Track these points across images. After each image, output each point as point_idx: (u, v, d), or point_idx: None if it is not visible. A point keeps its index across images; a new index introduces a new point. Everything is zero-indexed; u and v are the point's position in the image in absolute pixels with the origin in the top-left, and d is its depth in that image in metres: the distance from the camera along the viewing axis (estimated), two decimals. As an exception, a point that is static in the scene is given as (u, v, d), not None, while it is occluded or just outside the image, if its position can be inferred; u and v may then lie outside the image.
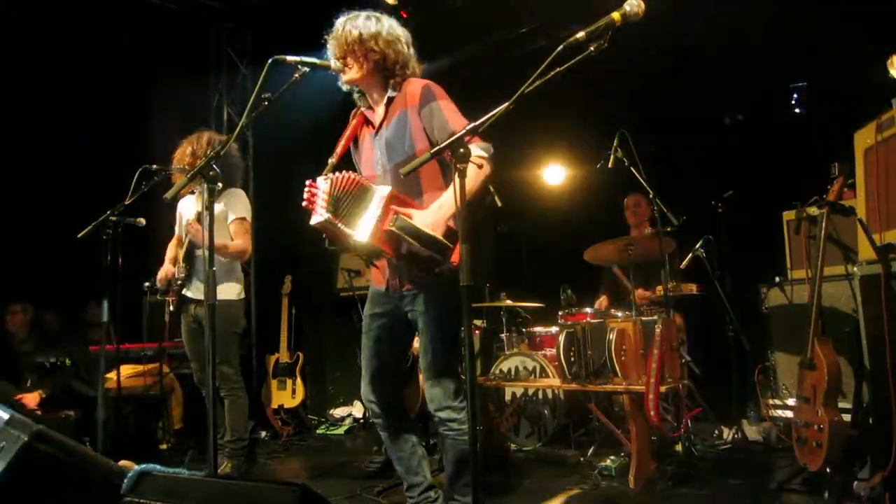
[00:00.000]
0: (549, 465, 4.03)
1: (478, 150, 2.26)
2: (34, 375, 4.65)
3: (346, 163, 2.62)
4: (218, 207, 3.73)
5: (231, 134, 2.74)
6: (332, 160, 2.54)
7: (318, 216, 2.34)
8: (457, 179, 1.88)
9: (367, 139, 2.64)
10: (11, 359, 4.71)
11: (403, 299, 2.52)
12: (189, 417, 5.08)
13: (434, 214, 2.29)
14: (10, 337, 4.93)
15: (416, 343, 2.65)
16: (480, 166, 2.25)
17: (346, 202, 2.36)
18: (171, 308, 3.85)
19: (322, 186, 2.37)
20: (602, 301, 4.87)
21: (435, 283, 2.40)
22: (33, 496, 1.75)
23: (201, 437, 4.14)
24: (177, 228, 4.05)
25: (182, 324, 3.91)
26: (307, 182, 2.41)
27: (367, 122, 2.65)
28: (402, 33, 2.59)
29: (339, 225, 2.33)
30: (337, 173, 2.40)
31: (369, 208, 2.33)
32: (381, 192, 2.34)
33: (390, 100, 2.55)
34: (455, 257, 2.32)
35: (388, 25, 2.56)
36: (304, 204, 2.38)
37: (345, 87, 2.64)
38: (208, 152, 3.70)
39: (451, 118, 2.41)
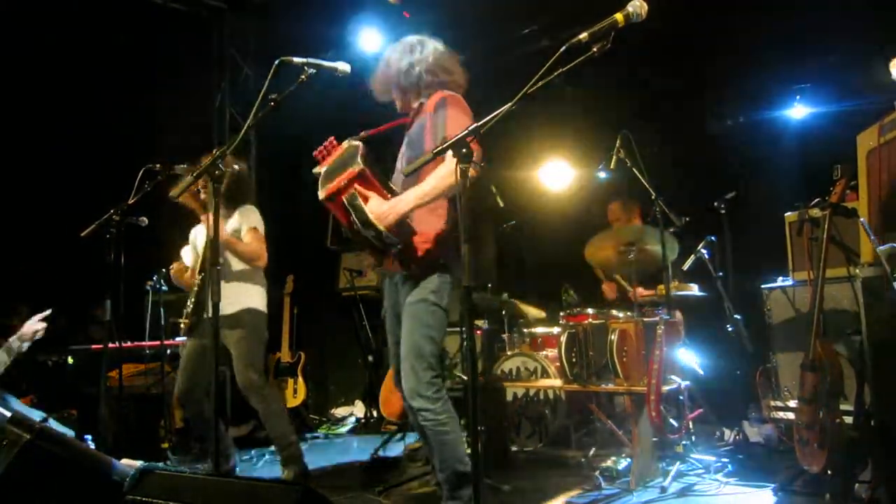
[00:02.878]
0: (550, 465, 4.03)
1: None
2: (30, 378, 4.63)
3: (379, 141, 2.80)
4: (232, 224, 3.72)
5: (235, 135, 2.77)
6: (367, 132, 2.73)
7: (319, 168, 2.63)
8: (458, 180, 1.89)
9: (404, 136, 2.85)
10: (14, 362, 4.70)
11: (400, 289, 2.67)
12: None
13: (387, 207, 2.44)
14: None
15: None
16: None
17: (336, 166, 2.57)
18: (182, 329, 3.68)
19: (341, 146, 2.64)
20: (610, 288, 4.84)
21: (414, 275, 2.57)
22: (36, 493, 1.76)
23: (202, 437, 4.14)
24: (186, 256, 3.91)
25: (192, 336, 3.65)
26: (331, 137, 2.66)
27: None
28: (448, 57, 2.80)
29: (321, 181, 2.58)
30: (349, 140, 2.63)
31: (339, 177, 2.51)
32: (353, 168, 2.49)
33: (421, 104, 2.75)
34: (420, 252, 2.52)
35: (436, 51, 2.77)
36: (315, 153, 2.66)
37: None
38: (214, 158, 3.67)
39: (448, 125, 2.51)
